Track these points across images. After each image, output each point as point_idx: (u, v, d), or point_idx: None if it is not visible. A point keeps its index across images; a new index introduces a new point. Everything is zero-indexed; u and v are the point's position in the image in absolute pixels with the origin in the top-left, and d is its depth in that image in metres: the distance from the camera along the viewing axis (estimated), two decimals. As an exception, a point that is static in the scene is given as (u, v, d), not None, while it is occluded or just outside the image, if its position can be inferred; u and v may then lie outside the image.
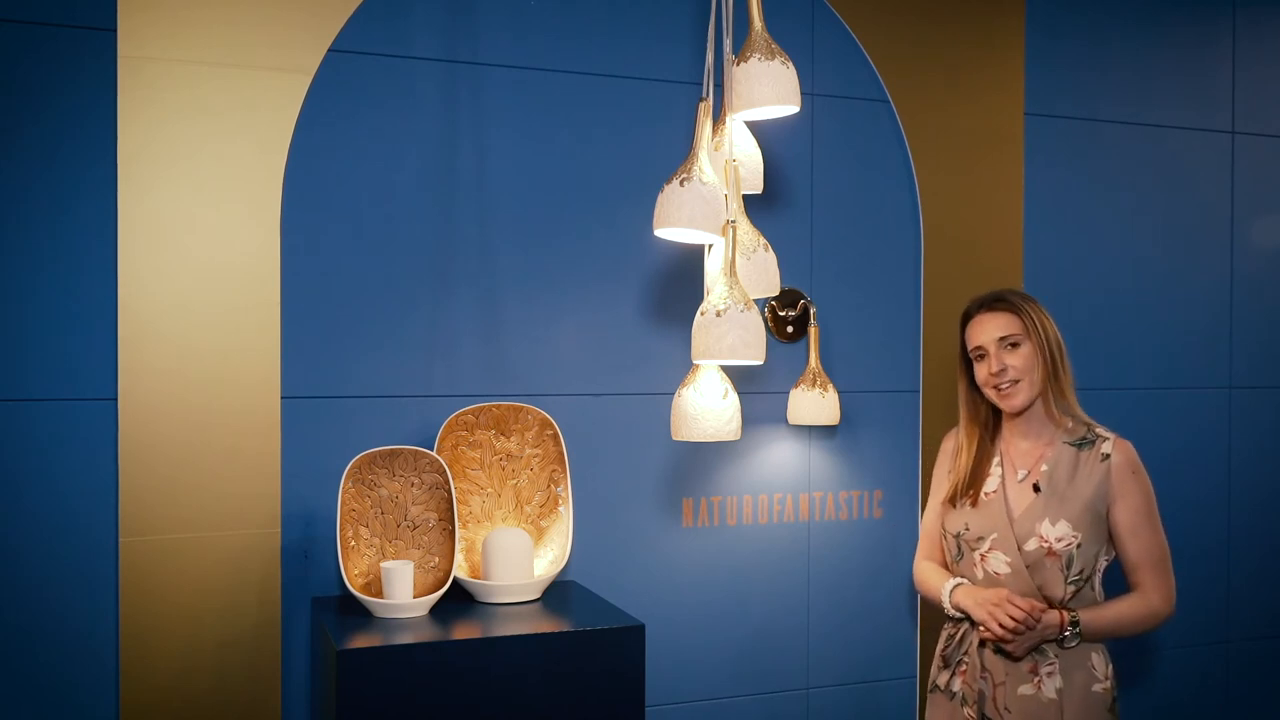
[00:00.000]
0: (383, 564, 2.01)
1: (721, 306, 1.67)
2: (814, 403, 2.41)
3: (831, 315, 2.54)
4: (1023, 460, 2.06)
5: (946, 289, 2.58)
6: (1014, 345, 2.02)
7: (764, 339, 1.70)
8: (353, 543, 2.08)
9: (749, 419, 2.44)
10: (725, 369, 1.85)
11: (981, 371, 2.05)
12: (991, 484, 2.06)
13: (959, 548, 2.07)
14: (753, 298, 1.77)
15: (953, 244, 2.62)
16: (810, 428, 2.53)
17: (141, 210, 2.03)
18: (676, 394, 1.82)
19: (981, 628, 1.96)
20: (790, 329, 2.50)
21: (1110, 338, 2.81)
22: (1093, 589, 2.00)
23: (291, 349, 2.14)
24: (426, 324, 2.24)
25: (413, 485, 2.12)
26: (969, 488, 2.07)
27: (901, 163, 2.60)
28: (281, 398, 2.12)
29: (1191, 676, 2.91)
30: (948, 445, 2.22)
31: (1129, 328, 2.83)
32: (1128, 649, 2.83)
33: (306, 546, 2.15)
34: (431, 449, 2.18)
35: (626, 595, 2.36)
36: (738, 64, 1.70)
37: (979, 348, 2.05)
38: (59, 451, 2.01)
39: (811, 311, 2.48)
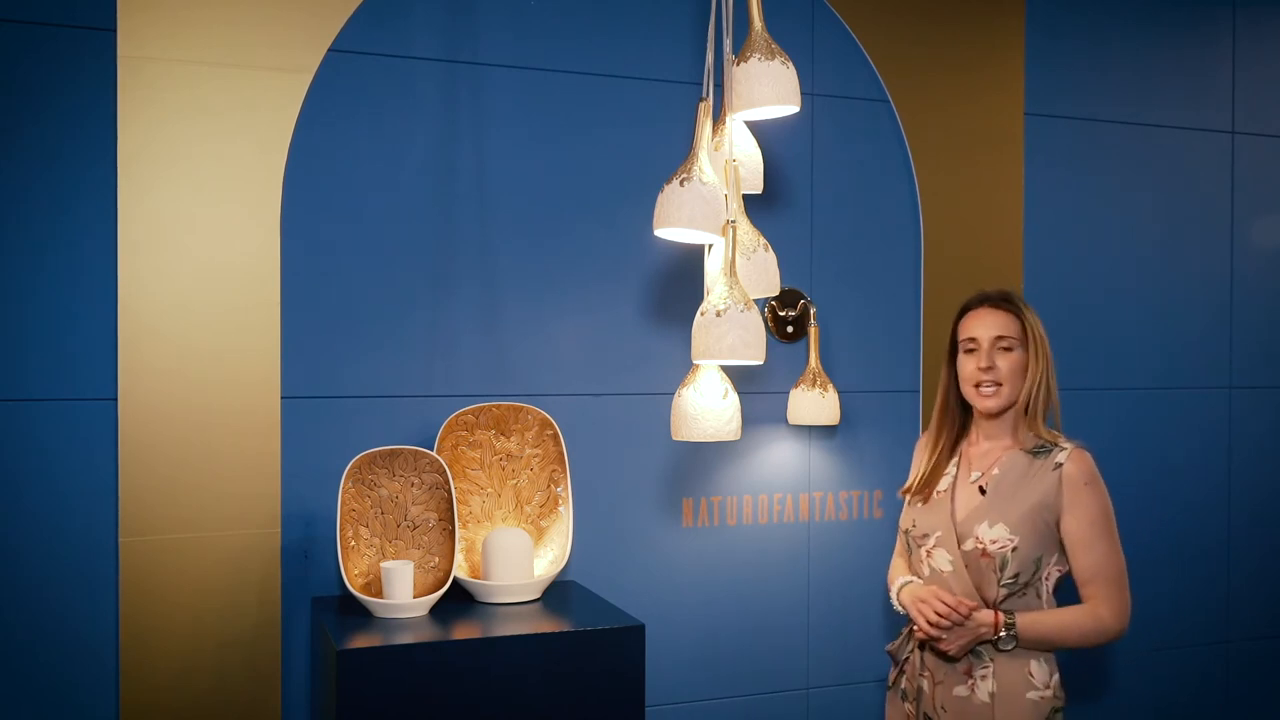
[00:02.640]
0: (383, 564, 2.01)
1: (721, 306, 1.67)
2: (814, 403, 2.41)
3: (831, 315, 2.54)
4: (979, 462, 2.05)
5: (946, 289, 2.58)
6: (1007, 348, 2.00)
7: (764, 339, 1.70)
8: (353, 543, 2.08)
9: (749, 419, 2.44)
10: (725, 369, 1.85)
11: (969, 365, 2.02)
12: (945, 483, 2.06)
13: (908, 544, 2.08)
14: (753, 298, 1.77)
15: (953, 244, 2.62)
16: (810, 428, 2.53)
17: (141, 210, 2.03)
18: (676, 394, 1.82)
19: (916, 626, 1.97)
20: (790, 329, 2.50)
21: (1110, 338, 2.81)
22: (1038, 596, 1.95)
23: (291, 349, 2.14)
24: (426, 324, 2.24)
25: (413, 485, 2.12)
26: (925, 484, 2.07)
27: (901, 163, 2.60)
28: (281, 398, 2.12)
29: (1191, 676, 2.91)
30: (922, 442, 2.21)
31: (1129, 328, 2.83)
32: (1126, 649, 2.83)
33: (306, 546, 2.15)
34: (431, 449, 2.18)
35: (626, 595, 2.36)
36: (738, 64, 1.70)
37: (973, 340, 2.02)
38: (59, 451, 2.01)
39: (811, 311, 2.48)
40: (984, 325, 2.02)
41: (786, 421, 2.50)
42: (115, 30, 2.01)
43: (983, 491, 2.00)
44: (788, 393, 2.48)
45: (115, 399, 2.02)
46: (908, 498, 2.12)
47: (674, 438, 1.82)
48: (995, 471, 2.01)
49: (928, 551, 2.02)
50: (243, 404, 2.08)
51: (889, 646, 2.10)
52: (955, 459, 2.08)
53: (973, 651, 1.95)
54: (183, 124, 2.05)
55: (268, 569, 2.10)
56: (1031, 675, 1.93)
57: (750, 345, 1.68)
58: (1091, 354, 2.78)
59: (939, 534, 2.00)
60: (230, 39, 2.08)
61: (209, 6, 2.06)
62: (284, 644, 2.13)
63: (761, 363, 1.73)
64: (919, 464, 2.14)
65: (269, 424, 2.10)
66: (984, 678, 1.94)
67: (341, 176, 2.18)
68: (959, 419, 2.11)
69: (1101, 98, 2.80)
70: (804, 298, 2.51)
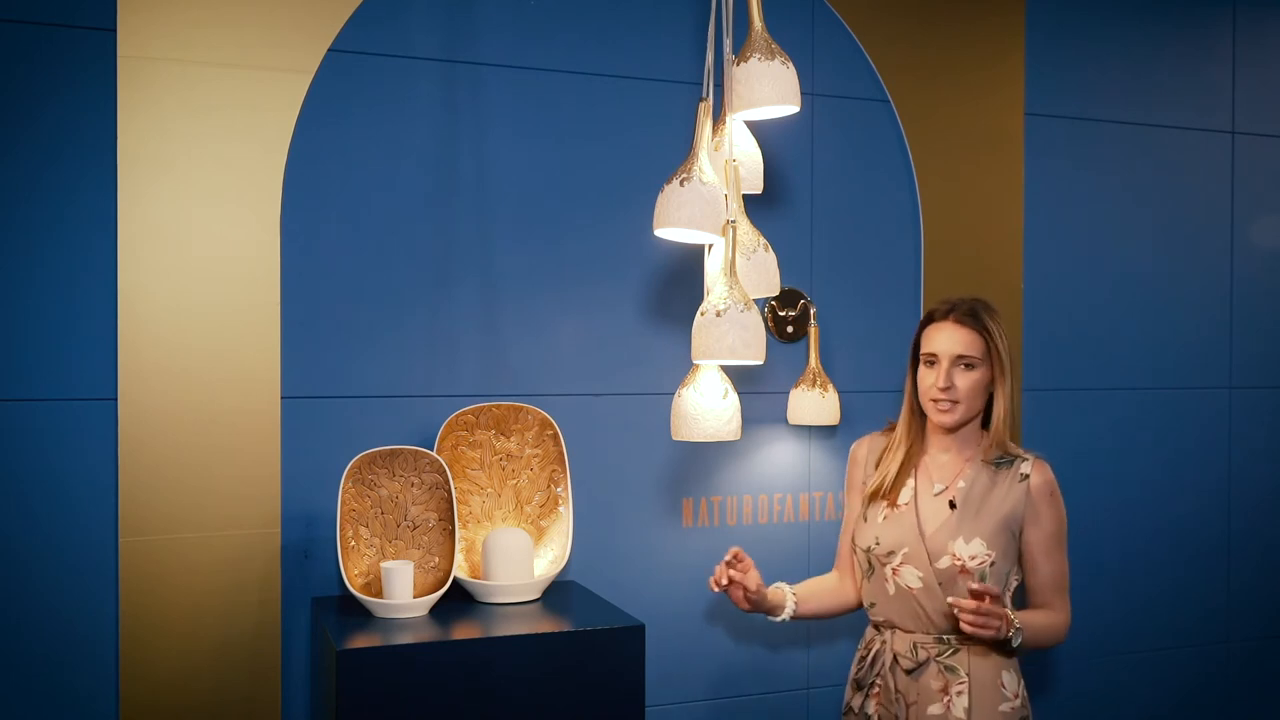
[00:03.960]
0: (383, 564, 2.01)
1: (721, 306, 1.67)
2: (814, 403, 2.41)
3: (831, 315, 2.54)
4: (940, 474, 2.00)
5: (946, 289, 2.58)
6: (969, 367, 1.94)
7: (764, 339, 1.70)
8: (353, 543, 2.08)
9: (749, 419, 2.44)
10: (725, 369, 1.85)
11: (927, 379, 1.96)
12: (904, 495, 1.99)
13: (869, 563, 2.01)
14: (753, 298, 1.77)
15: (953, 244, 2.62)
16: (810, 428, 2.53)
17: (141, 210, 2.03)
18: (676, 394, 1.82)
19: (963, 622, 1.83)
20: (790, 329, 2.50)
21: (1111, 338, 2.81)
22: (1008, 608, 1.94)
23: (291, 349, 2.14)
24: (426, 324, 2.24)
25: (413, 485, 2.12)
26: (891, 491, 2.00)
27: (901, 163, 2.60)
28: (281, 398, 2.12)
29: (1191, 676, 2.91)
30: (859, 453, 2.13)
31: (1129, 328, 2.83)
32: (1125, 649, 2.83)
33: (306, 546, 2.15)
34: (431, 449, 2.18)
35: (626, 595, 2.36)
36: (738, 64, 1.70)
37: (933, 355, 1.95)
38: (59, 451, 2.01)
39: (811, 311, 2.48)
40: (946, 341, 1.94)
41: (786, 421, 2.50)
42: (115, 30, 2.01)
43: (953, 506, 1.96)
44: (788, 393, 2.48)
45: (115, 399, 2.02)
46: (864, 514, 2.04)
47: (674, 438, 1.82)
48: (961, 484, 1.97)
49: (893, 569, 1.97)
50: (243, 404, 2.08)
51: (854, 675, 2.04)
52: (911, 469, 2.02)
53: (947, 668, 1.92)
54: (183, 124, 2.05)
55: (268, 569, 2.10)
56: (1003, 686, 1.93)
57: (750, 345, 1.68)
58: (1091, 354, 2.78)
59: (906, 550, 1.95)
60: (230, 39, 2.07)
61: (209, 6, 2.06)
62: (284, 644, 2.13)
63: (761, 363, 1.73)
64: (877, 468, 2.06)
65: (269, 424, 2.10)
66: (959, 694, 1.91)
67: (341, 176, 2.18)
68: (922, 424, 2.05)
69: (1101, 98, 2.80)
70: (804, 298, 2.51)
